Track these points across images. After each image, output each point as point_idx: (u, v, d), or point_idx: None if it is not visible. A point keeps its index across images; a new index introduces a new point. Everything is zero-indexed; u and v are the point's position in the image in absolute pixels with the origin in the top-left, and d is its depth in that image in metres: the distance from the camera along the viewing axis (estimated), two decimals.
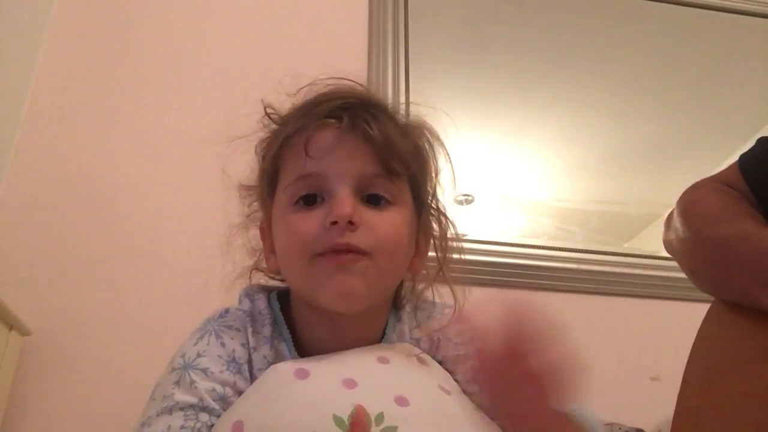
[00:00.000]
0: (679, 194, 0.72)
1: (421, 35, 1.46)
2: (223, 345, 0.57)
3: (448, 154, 0.69)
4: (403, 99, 1.34)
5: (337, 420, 0.47)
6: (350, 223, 0.54)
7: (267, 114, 0.71)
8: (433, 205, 0.66)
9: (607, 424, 0.75)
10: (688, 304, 0.69)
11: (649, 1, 1.73)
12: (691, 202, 0.69)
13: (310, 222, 0.55)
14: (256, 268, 0.67)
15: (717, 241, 0.61)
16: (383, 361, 0.56)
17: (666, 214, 0.73)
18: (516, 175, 1.88)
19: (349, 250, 0.54)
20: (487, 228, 1.82)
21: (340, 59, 1.36)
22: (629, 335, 1.22)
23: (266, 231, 0.65)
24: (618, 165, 1.91)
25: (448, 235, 0.67)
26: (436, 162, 0.67)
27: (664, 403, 0.59)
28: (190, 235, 1.11)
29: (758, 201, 0.65)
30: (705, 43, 1.81)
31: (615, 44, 1.78)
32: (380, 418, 0.47)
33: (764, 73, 1.80)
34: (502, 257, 1.24)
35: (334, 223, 0.54)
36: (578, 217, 1.83)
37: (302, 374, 0.52)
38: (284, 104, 0.68)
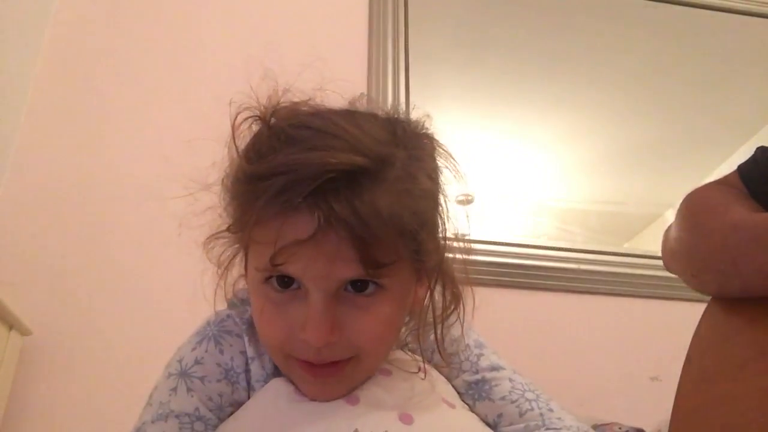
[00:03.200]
0: (679, 194, 0.72)
1: (421, 35, 1.46)
2: (221, 352, 0.55)
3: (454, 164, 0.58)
4: (403, 99, 1.34)
5: None
6: (321, 348, 0.47)
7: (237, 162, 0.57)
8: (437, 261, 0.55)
9: (607, 424, 0.75)
10: (688, 304, 0.69)
11: (649, 2, 1.73)
12: (693, 200, 0.69)
13: (283, 320, 0.48)
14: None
15: (726, 227, 0.61)
16: (385, 373, 0.54)
17: (665, 228, 0.73)
18: (516, 175, 1.88)
19: (332, 361, 0.49)
20: (487, 228, 1.82)
21: (340, 59, 1.37)
22: (629, 335, 1.22)
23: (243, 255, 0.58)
24: (618, 165, 1.91)
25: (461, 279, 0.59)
26: (445, 198, 0.57)
27: (664, 403, 0.58)
28: (191, 235, 1.11)
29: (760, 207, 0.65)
30: (705, 43, 1.81)
31: (615, 45, 1.78)
32: None
33: (764, 73, 1.80)
34: (502, 257, 1.24)
35: (307, 341, 0.47)
36: (578, 217, 1.83)
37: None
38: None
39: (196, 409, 0.51)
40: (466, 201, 1.80)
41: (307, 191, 0.44)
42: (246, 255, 0.55)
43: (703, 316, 0.63)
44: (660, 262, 0.74)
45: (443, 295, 0.58)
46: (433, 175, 0.54)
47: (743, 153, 0.71)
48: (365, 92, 1.32)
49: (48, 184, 1.11)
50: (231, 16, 1.35)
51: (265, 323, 0.50)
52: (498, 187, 1.86)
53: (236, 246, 0.58)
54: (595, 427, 0.76)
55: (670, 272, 0.71)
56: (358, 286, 0.47)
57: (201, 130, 1.22)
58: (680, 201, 0.70)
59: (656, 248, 0.74)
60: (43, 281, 1.03)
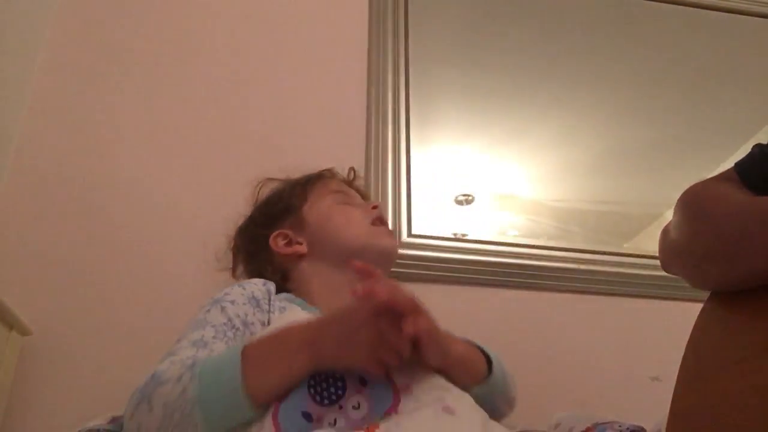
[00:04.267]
0: (679, 194, 0.71)
1: (421, 35, 1.46)
2: (244, 289, 0.74)
3: None
4: (403, 99, 1.34)
5: None
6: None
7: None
8: None
9: (607, 422, 0.75)
10: (688, 304, 0.69)
11: (649, 1, 1.73)
12: (694, 192, 0.69)
13: (358, 211, 0.92)
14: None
15: (730, 210, 0.60)
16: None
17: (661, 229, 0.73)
18: (516, 175, 1.88)
19: (387, 226, 0.95)
20: (487, 228, 1.82)
21: (340, 59, 1.37)
22: (629, 335, 1.22)
23: (282, 235, 0.91)
24: (618, 165, 1.91)
25: None
26: None
27: (664, 403, 0.59)
28: (192, 235, 1.11)
29: None
30: (705, 43, 1.81)
31: (615, 44, 1.78)
32: None
33: (764, 73, 1.80)
34: (502, 257, 1.24)
35: (375, 207, 0.94)
36: (578, 217, 1.83)
37: None
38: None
39: (229, 319, 0.68)
40: (466, 201, 1.81)
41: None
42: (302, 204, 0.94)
43: (699, 314, 0.63)
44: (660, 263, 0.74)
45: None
46: None
47: (743, 153, 0.71)
48: (365, 91, 1.33)
49: (48, 184, 1.11)
50: (232, 18, 1.35)
51: (352, 211, 0.92)
52: (498, 187, 1.86)
53: (297, 197, 0.95)
54: (595, 425, 0.76)
55: (669, 272, 0.71)
56: None
57: (201, 128, 1.22)
58: None
59: (656, 248, 0.73)
60: (43, 281, 1.03)
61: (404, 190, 1.25)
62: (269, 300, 0.75)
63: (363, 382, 0.58)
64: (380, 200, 1.23)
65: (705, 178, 0.71)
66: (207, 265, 1.09)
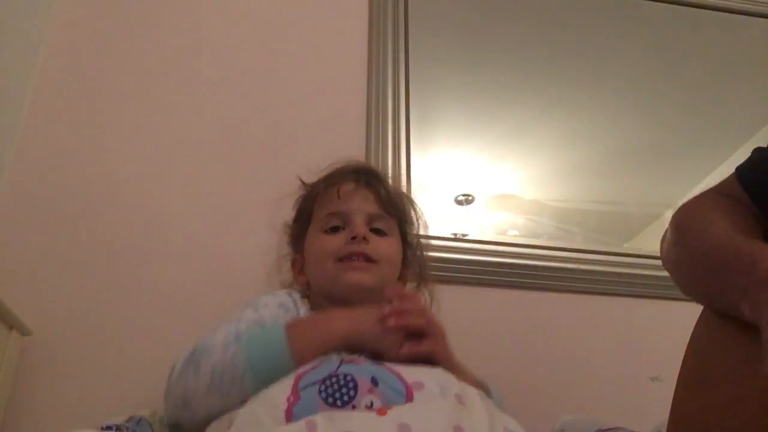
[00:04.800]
0: (679, 194, 0.72)
1: (421, 35, 1.46)
2: (275, 296, 0.82)
3: (418, 214, 1.05)
4: (403, 99, 1.34)
5: None
6: (363, 238, 0.84)
7: (303, 182, 1.04)
8: (413, 242, 1.00)
9: (611, 429, 0.75)
10: (688, 304, 0.69)
11: (649, 1, 1.73)
12: (682, 214, 0.70)
13: (337, 239, 0.86)
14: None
15: (704, 248, 0.61)
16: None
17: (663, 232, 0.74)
18: (516, 175, 1.88)
19: (362, 254, 0.83)
20: (487, 228, 1.82)
21: (340, 59, 1.37)
22: (629, 335, 1.22)
23: (297, 261, 0.95)
24: (618, 165, 1.91)
25: (424, 264, 1.02)
26: (412, 217, 1.02)
27: (663, 403, 0.59)
28: (192, 235, 1.11)
29: (760, 210, 0.65)
30: (705, 43, 1.81)
31: (615, 44, 1.78)
32: None
33: (764, 73, 1.80)
34: (502, 257, 1.24)
35: (354, 237, 0.84)
36: (578, 217, 1.83)
37: None
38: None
39: (260, 318, 0.76)
40: (466, 201, 1.81)
41: (351, 171, 0.96)
42: (305, 231, 0.94)
43: (699, 318, 0.63)
44: (660, 263, 0.74)
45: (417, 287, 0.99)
46: (407, 204, 1.03)
47: (743, 153, 0.71)
48: (365, 91, 1.33)
49: (48, 184, 1.11)
50: (231, 16, 1.35)
51: (325, 244, 0.86)
52: (498, 187, 1.86)
53: (301, 222, 0.98)
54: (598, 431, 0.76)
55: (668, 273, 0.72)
56: (376, 231, 0.89)
57: (201, 128, 1.22)
58: (680, 201, 0.71)
59: (656, 248, 0.74)
60: (43, 281, 1.03)
61: (404, 190, 1.25)
62: (296, 306, 0.81)
63: (375, 382, 0.59)
64: None
65: (707, 184, 0.72)
66: (206, 264, 1.09)
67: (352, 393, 0.57)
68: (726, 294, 0.56)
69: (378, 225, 0.89)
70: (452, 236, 1.31)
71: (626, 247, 1.65)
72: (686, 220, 0.68)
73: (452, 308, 1.17)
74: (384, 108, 1.31)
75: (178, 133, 1.21)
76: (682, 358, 0.60)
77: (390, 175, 1.25)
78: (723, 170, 0.71)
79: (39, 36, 1.22)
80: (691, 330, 0.62)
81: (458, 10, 1.70)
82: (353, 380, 0.59)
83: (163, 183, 1.16)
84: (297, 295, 0.84)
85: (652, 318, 1.24)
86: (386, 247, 0.87)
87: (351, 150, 1.24)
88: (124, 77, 1.23)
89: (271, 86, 1.29)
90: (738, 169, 0.70)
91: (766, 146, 0.70)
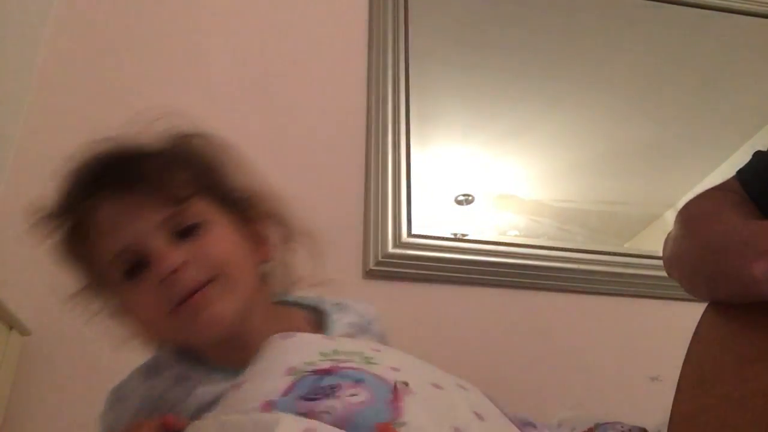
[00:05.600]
0: (680, 194, 0.73)
1: (421, 35, 1.46)
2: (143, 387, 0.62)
3: (224, 144, 0.68)
4: (403, 99, 1.34)
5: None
6: (175, 270, 0.55)
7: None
8: (237, 195, 0.65)
9: (609, 423, 0.75)
10: (688, 304, 0.69)
11: (650, 1, 1.73)
12: (689, 208, 0.70)
13: (147, 291, 0.56)
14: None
15: (715, 233, 0.62)
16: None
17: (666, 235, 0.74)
18: (516, 175, 1.88)
19: (195, 289, 0.56)
20: (487, 228, 1.82)
21: (340, 59, 1.37)
22: (629, 335, 1.22)
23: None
24: (618, 165, 1.91)
25: (278, 213, 0.67)
26: (224, 158, 0.67)
27: (664, 403, 0.59)
28: None
29: (763, 214, 0.66)
30: (705, 43, 1.81)
31: (615, 44, 1.78)
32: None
33: (764, 73, 1.80)
34: (502, 257, 1.24)
35: (162, 281, 0.55)
36: (578, 217, 1.83)
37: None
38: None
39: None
40: (466, 201, 1.80)
41: (95, 181, 0.61)
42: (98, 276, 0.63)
43: (701, 318, 0.63)
44: (660, 262, 0.75)
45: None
46: (202, 152, 0.66)
47: (743, 153, 0.72)
48: (365, 91, 1.33)
49: (48, 184, 1.11)
50: (231, 15, 1.35)
51: (139, 307, 0.59)
52: (498, 187, 1.86)
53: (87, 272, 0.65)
54: (597, 426, 0.76)
55: (670, 277, 0.72)
56: (188, 231, 0.58)
57: (201, 128, 1.22)
58: (680, 201, 0.71)
59: (656, 248, 0.74)
60: (43, 281, 1.03)
61: (404, 190, 1.25)
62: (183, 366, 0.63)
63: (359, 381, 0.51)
64: (380, 200, 1.23)
65: (708, 187, 0.72)
66: None
67: (333, 389, 0.53)
68: (742, 269, 0.56)
69: (184, 223, 0.59)
70: (452, 236, 1.31)
71: (626, 247, 1.65)
72: (695, 212, 0.68)
73: (452, 308, 1.17)
74: (384, 108, 1.31)
75: None
76: (682, 358, 0.60)
77: (390, 175, 1.25)
78: (723, 170, 0.71)
79: (39, 35, 1.22)
80: (691, 330, 0.62)
81: (458, 10, 1.70)
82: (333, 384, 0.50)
83: None
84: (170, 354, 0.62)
85: (652, 318, 1.24)
86: (211, 246, 0.58)
87: (351, 149, 1.24)
88: (123, 77, 1.23)
89: (271, 85, 1.29)
90: (739, 172, 0.70)
91: (766, 150, 0.70)
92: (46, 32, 1.23)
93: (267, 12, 1.37)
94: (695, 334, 0.62)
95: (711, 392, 0.54)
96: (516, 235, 1.70)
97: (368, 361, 0.49)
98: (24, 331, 0.95)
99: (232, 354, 0.57)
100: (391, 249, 1.18)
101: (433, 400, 0.46)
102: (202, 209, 0.60)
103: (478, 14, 1.71)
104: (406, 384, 0.45)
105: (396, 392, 0.46)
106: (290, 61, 1.33)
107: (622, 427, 0.76)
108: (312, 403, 0.42)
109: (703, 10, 1.74)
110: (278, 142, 1.24)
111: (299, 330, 0.57)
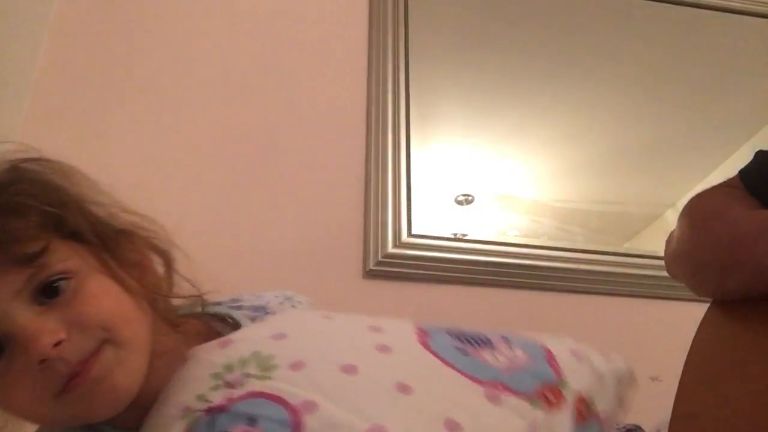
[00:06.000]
0: (680, 194, 0.72)
1: (421, 35, 1.46)
2: None
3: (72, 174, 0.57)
4: (403, 99, 1.34)
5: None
6: (56, 346, 0.44)
7: None
8: (110, 227, 0.56)
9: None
10: (688, 304, 0.69)
11: (650, 1, 1.73)
12: (696, 202, 0.70)
13: (21, 377, 0.45)
14: None
15: (726, 223, 0.61)
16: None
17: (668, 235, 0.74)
18: (516, 175, 1.88)
19: (82, 365, 0.45)
20: (487, 228, 1.82)
21: (340, 59, 1.37)
22: (629, 335, 1.22)
23: None
24: (618, 165, 1.91)
25: (152, 243, 0.59)
26: (78, 186, 0.57)
27: (664, 403, 0.59)
28: (191, 237, 1.11)
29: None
30: (705, 43, 1.81)
31: (615, 44, 1.78)
32: None
33: (764, 73, 1.80)
34: (502, 257, 1.24)
35: (43, 362, 0.44)
36: (578, 217, 1.83)
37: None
38: None
39: None
40: (466, 201, 1.80)
41: None
42: None
43: (703, 319, 0.63)
44: (660, 262, 0.74)
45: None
46: (51, 186, 0.53)
47: (743, 153, 0.72)
48: (365, 91, 1.33)
49: None
50: (231, 19, 1.35)
51: (16, 395, 0.46)
52: (498, 187, 1.86)
53: None
54: None
55: (673, 278, 0.72)
56: (53, 291, 0.46)
57: (200, 129, 1.22)
58: (681, 201, 0.71)
59: (656, 248, 0.74)
60: None
61: (404, 190, 1.25)
62: None
63: (252, 421, 0.42)
64: (380, 200, 1.23)
65: (709, 184, 0.72)
66: (204, 265, 1.09)
67: None
68: (762, 257, 0.56)
69: (45, 282, 0.47)
70: (452, 236, 1.31)
71: (626, 247, 1.65)
72: (702, 206, 0.68)
73: (452, 308, 1.17)
74: (384, 108, 1.31)
75: (178, 133, 1.21)
76: (682, 358, 0.60)
77: (390, 175, 1.25)
78: (723, 170, 0.71)
79: (39, 37, 1.21)
80: (691, 330, 0.62)
81: (458, 10, 1.70)
82: None
83: (163, 183, 1.16)
84: None
85: (652, 318, 1.24)
86: (89, 306, 0.47)
87: (351, 149, 1.24)
88: (123, 78, 1.23)
89: (271, 86, 1.29)
90: (741, 172, 0.70)
91: None
92: (46, 33, 1.23)
93: (267, 12, 1.37)
94: (697, 334, 0.62)
95: (713, 392, 0.54)
96: (516, 235, 1.70)
97: (265, 367, 0.45)
98: None
99: (138, 411, 0.48)
100: (391, 249, 1.18)
101: (343, 400, 0.42)
102: (63, 256, 0.48)
103: (478, 14, 1.71)
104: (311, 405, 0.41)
105: (295, 418, 0.41)
106: (290, 61, 1.33)
107: (617, 426, 0.76)
108: None
109: (703, 10, 1.74)
110: (278, 141, 1.24)
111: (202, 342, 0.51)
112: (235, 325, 0.59)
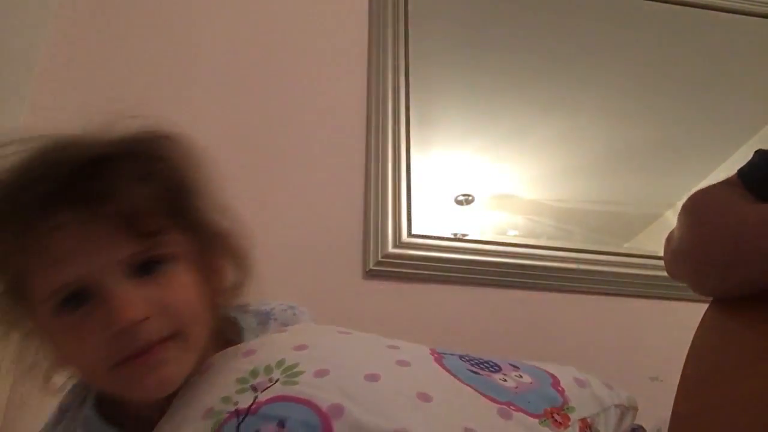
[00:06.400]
0: (680, 194, 0.72)
1: (421, 35, 1.46)
2: None
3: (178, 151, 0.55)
4: (403, 99, 1.34)
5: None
6: (137, 322, 0.46)
7: None
8: (209, 223, 0.55)
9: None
10: (688, 304, 0.69)
11: (649, 1, 1.73)
12: (696, 198, 0.69)
13: (90, 334, 0.46)
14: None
15: (729, 217, 0.61)
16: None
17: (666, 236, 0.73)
18: (516, 175, 1.88)
19: (150, 347, 0.47)
20: (487, 228, 1.82)
21: (340, 60, 1.37)
22: (629, 335, 1.22)
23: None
24: (618, 165, 1.91)
25: (240, 248, 0.58)
26: (197, 170, 0.56)
27: (664, 403, 0.59)
28: None
29: None
30: (705, 43, 1.81)
31: (615, 44, 1.78)
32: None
33: (764, 73, 1.80)
34: (502, 257, 1.24)
35: (121, 332, 0.46)
36: (578, 217, 1.83)
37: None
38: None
39: None
40: (466, 201, 1.80)
41: (49, 193, 0.46)
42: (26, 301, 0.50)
43: (702, 319, 0.63)
44: (660, 262, 0.74)
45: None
46: (176, 161, 0.55)
47: (743, 153, 0.71)
48: (365, 92, 1.33)
49: None
50: (231, 18, 1.35)
51: (80, 352, 0.48)
52: (498, 188, 1.86)
53: (12, 293, 0.50)
54: None
55: (673, 277, 0.71)
56: (148, 266, 0.48)
57: (200, 129, 1.22)
58: (681, 201, 0.70)
59: (656, 248, 0.74)
60: None
61: (404, 190, 1.25)
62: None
63: (281, 423, 0.42)
64: (380, 200, 1.23)
65: (708, 184, 0.71)
66: None
67: None
68: (761, 250, 0.55)
69: (145, 258, 0.49)
70: (452, 236, 1.31)
71: (626, 247, 1.65)
72: (703, 202, 0.68)
73: (452, 308, 1.17)
74: (384, 108, 1.31)
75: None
76: (682, 358, 0.60)
77: (390, 175, 1.25)
78: (723, 170, 0.71)
79: (39, 35, 1.21)
80: (691, 330, 0.62)
81: (458, 11, 1.70)
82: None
83: None
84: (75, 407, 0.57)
85: (652, 318, 1.24)
86: (178, 293, 0.50)
87: (351, 150, 1.24)
88: (123, 77, 1.23)
89: (271, 86, 1.29)
90: (740, 171, 0.70)
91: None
92: (46, 32, 1.23)
93: (267, 12, 1.37)
94: (697, 333, 0.62)
95: (712, 392, 0.54)
96: (516, 235, 1.70)
97: (291, 374, 0.45)
98: None
99: (160, 400, 0.50)
100: (391, 249, 1.18)
101: (369, 405, 0.42)
102: (173, 241, 0.50)
103: (478, 15, 1.71)
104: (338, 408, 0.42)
105: (325, 422, 0.41)
106: (290, 62, 1.33)
107: None
108: None
109: (703, 10, 1.74)
110: (278, 142, 1.24)
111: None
112: (239, 330, 0.60)
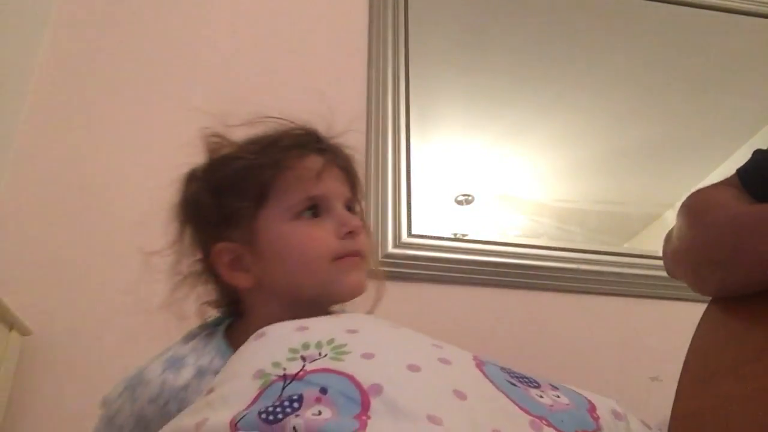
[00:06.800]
0: (680, 194, 0.72)
1: (421, 35, 1.46)
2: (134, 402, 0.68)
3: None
4: (403, 99, 1.34)
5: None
6: (358, 232, 0.68)
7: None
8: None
9: None
10: (688, 304, 0.69)
11: (649, 1, 1.73)
12: (694, 198, 0.69)
13: (326, 232, 0.67)
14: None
15: (727, 218, 0.61)
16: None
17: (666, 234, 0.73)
18: (516, 175, 1.88)
19: (359, 254, 0.67)
20: (487, 228, 1.82)
21: (340, 59, 1.37)
22: (629, 335, 1.22)
23: (229, 252, 0.69)
24: (618, 165, 1.91)
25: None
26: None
27: (664, 403, 0.59)
28: None
29: None
30: (705, 43, 1.81)
31: (614, 44, 1.79)
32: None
33: (764, 73, 1.80)
34: (502, 257, 1.24)
35: (349, 233, 0.67)
36: (578, 217, 1.84)
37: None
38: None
39: None
40: (466, 201, 1.81)
41: (315, 142, 0.73)
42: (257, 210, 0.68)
43: (701, 318, 0.63)
44: (660, 262, 0.74)
45: None
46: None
47: (743, 153, 0.71)
48: (365, 91, 1.33)
49: (48, 184, 1.11)
50: (230, 19, 1.35)
51: (314, 239, 0.66)
52: (498, 187, 1.86)
53: (252, 200, 0.68)
54: None
55: (672, 276, 0.71)
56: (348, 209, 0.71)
57: (200, 130, 1.22)
58: (680, 201, 0.70)
59: (656, 248, 0.74)
60: (43, 281, 1.03)
61: (404, 190, 1.25)
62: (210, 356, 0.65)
63: (323, 390, 0.46)
64: (380, 200, 1.23)
65: (708, 184, 0.71)
66: None
67: (296, 404, 0.46)
68: (761, 248, 0.55)
69: (351, 205, 0.72)
70: (452, 236, 1.31)
71: (626, 247, 1.65)
72: (702, 202, 0.68)
73: (452, 308, 1.17)
74: (384, 108, 1.31)
75: (178, 132, 1.20)
76: (682, 358, 0.60)
77: (390, 174, 1.25)
78: (723, 170, 0.71)
79: (39, 36, 1.22)
80: (691, 330, 0.62)
81: (458, 10, 1.70)
82: (299, 396, 0.46)
83: (163, 182, 1.16)
84: (200, 337, 0.69)
85: (652, 318, 1.24)
86: (365, 234, 0.70)
87: (351, 149, 1.24)
88: (123, 77, 1.23)
89: (272, 85, 1.29)
90: (739, 170, 0.70)
91: (766, 148, 0.70)
92: (46, 32, 1.23)
93: (267, 12, 1.37)
94: (696, 333, 0.62)
95: (712, 391, 0.54)
96: (516, 235, 1.70)
97: (340, 351, 0.50)
98: (24, 331, 0.95)
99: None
100: (391, 249, 1.18)
101: (407, 390, 0.46)
102: (360, 210, 0.75)
103: (478, 14, 1.72)
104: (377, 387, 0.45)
105: (364, 396, 0.44)
106: (290, 61, 1.33)
107: None
108: (275, 426, 0.42)
109: (703, 10, 1.74)
110: None
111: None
112: None
